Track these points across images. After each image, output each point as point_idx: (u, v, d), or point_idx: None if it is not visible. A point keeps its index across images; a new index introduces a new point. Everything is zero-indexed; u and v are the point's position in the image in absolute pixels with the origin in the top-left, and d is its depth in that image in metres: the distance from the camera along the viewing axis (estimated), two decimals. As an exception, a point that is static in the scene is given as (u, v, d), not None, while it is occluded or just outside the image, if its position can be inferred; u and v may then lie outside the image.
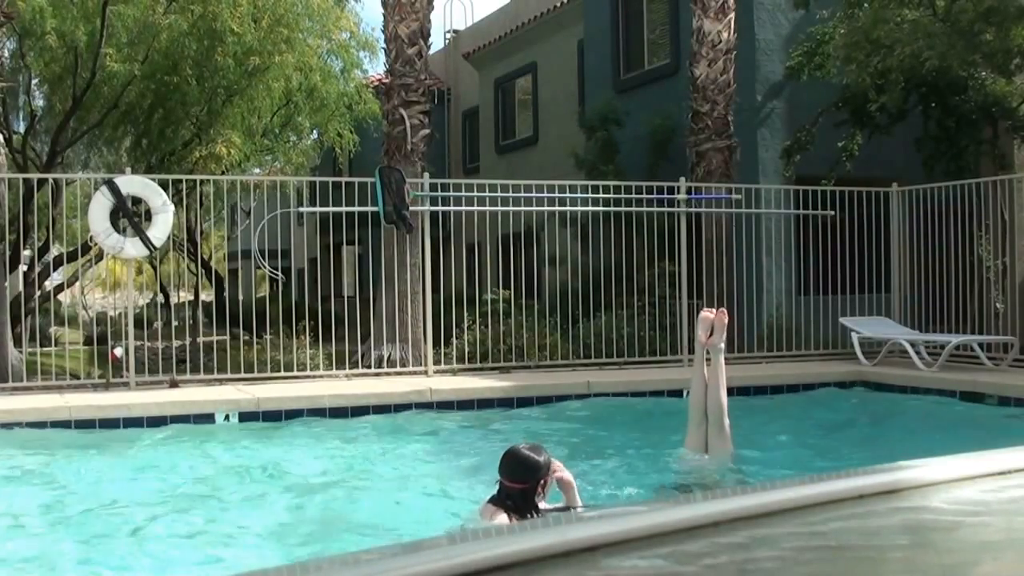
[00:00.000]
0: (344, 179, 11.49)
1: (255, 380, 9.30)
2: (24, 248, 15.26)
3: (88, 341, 13.58)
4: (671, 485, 5.98)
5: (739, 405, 8.30)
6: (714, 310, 6.37)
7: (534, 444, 4.38)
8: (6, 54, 14.85)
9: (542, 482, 4.18)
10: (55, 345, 13.29)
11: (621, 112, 14.61)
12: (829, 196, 11.41)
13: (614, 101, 14.94)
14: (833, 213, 11.35)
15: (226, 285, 24.28)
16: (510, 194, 10.81)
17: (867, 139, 12.40)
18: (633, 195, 10.89)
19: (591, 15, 16.71)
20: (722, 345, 6.22)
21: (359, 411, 8.20)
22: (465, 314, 10.78)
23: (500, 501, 4.14)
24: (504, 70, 21.08)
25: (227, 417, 7.91)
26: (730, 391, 8.97)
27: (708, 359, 6.26)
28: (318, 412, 8.07)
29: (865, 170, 12.29)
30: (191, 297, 20.98)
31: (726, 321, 6.28)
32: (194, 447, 7.09)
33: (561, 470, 4.35)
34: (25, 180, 12.55)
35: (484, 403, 8.60)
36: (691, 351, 10.58)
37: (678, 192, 10.85)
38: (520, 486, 4.12)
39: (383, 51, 11.94)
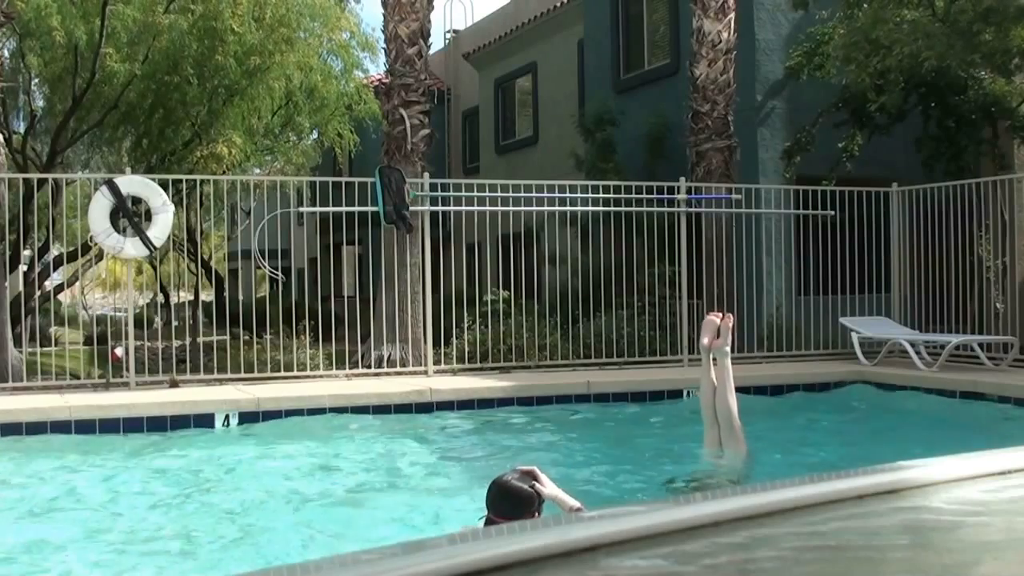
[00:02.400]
0: (344, 179, 11.50)
1: (255, 380, 9.30)
2: (24, 248, 15.26)
3: (88, 341, 13.57)
4: (683, 481, 6.00)
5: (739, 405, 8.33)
6: (719, 314, 6.41)
7: (523, 472, 3.89)
8: (6, 54, 14.85)
9: (535, 516, 3.71)
10: (55, 345, 13.29)
11: (616, 112, 14.61)
12: (829, 196, 11.41)
13: (609, 102, 14.94)
14: (833, 213, 11.35)
15: (226, 285, 24.27)
16: (510, 194, 10.80)
17: (867, 139, 12.40)
18: (633, 195, 10.89)
19: (591, 15, 16.71)
20: (727, 348, 6.26)
21: (359, 411, 8.19)
22: (465, 314, 10.77)
23: None
24: (504, 70, 21.08)
25: (227, 417, 7.91)
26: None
27: (715, 361, 6.31)
28: (318, 412, 8.07)
29: (865, 170, 12.29)
30: (191, 297, 20.98)
31: (731, 324, 6.33)
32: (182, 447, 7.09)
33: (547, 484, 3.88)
34: (25, 180, 12.55)
35: (484, 403, 8.60)
36: (692, 351, 10.60)
37: (678, 192, 10.85)
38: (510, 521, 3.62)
39: (383, 51, 11.94)
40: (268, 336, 10.52)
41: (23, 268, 15.42)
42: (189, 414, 7.81)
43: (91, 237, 9.78)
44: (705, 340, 6.33)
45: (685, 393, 9.13)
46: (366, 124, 17.19)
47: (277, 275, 11.46)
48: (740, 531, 1.08)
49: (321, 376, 9.67)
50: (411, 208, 10.32)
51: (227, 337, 13.07)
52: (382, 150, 11.51)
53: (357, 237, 13.14)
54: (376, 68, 19.34)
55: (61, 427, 7.43)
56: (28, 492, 5.85)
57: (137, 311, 17.58)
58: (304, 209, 11.07)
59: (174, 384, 9.00)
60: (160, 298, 23.74)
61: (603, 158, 14.27)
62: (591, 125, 14.73)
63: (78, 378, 9.70)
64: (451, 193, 11.16)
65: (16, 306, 11.41)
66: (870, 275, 11.45)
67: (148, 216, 9.38)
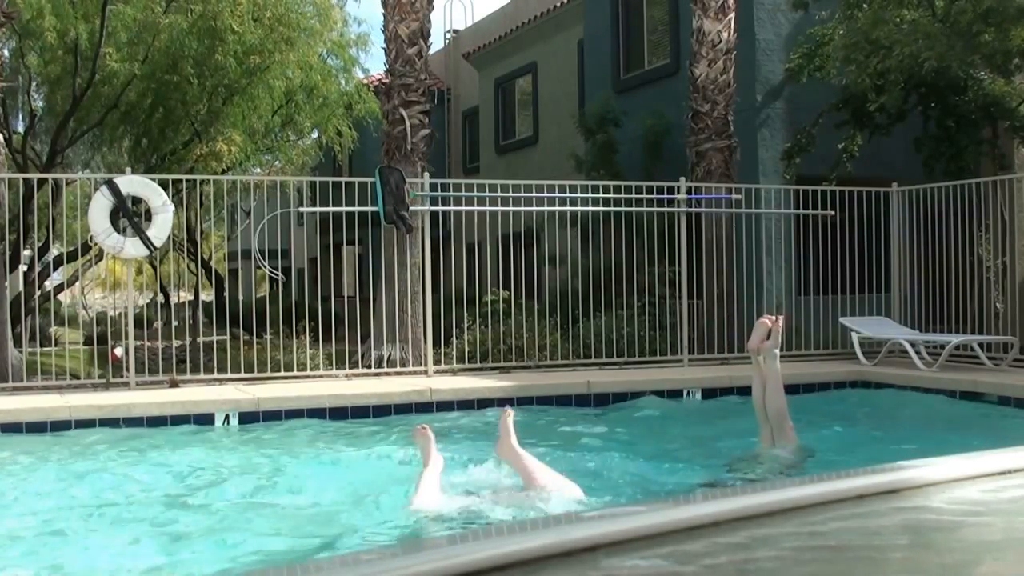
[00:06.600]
0: (344, 179, 11.51)
1: (255, 380, 9.29)
2: (24, 248, 15.27)
3: (88, 341, 13.58)
4: (743, 462, 6.10)
5: (740, 405, 8.34)
6: (771, 317, 6.52)
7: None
8: (6, 54, 14.86)
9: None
10: (55, 345, 13.29)
11: (619, 112, 14.59)
12: (829, 196, 11.41)
13: (611, 101, 14.92)
14: (833, 213, 11.35)
15: (226, 285, 24.28)
16: (510, 194, 10.80)
17: (867, 139, 12.40)
18: (633, 195, 10.89)
19: (591, 15, 16.71)
20: (776, 351, 6.37)
21: (359, 411, 8.20)
22: (465, 314, 10.78)
23: None
24: (504, 70, 21.09)
25: (227, 417, 7.91)
26: (731, 391, 9.05)
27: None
28: (318, 412, 8.07)
29: (865, 170, 12.29)
30: (191, 297, 20.99)
31: (781, 327, 6.45)
32: (190, 446, 7.09)
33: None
34: (25, 180, 12.56)
35: (484, 403, 8.59)
36: (692, 351, 10.65)
37: (678, 192, 10.85)
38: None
39: (383, 51, 11.95)
40: (268, 336, 10.52)
41: (23, 268, 15.42)
42: (189, 414, 7.81)
43: (91, 237, 9.77)
44: (752, 342, 6.50)
45: (685, 393, 9.13)
46: (366, 123, 17.21)
47: (277, 275, 11.45)
48: (740, 531, 1.08)
49: (321, 376, 9.67)
50: (411, 208, 10.32)
51: (227, 337, 13.09)
52: (382, 150, 11.50)
53: (357, 237, 13.14)
54: (369, 63, 19.39)
55: (61, 427, 7.43)
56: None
57: (137, 311, 17.58)
58: (304, 209, 11.07)
59: (174, 384, 9.00)
60: (160, 298, 23.74)
61: (603, 159, 14.26)
62: (592, 125, 14.70)
63: (78, 378, 9.70)
64: (451, 193, 11.16)
65: (16, 306, 11.42)
66: (870, 275, 11.44)
67: (148, 216, 9.37)
